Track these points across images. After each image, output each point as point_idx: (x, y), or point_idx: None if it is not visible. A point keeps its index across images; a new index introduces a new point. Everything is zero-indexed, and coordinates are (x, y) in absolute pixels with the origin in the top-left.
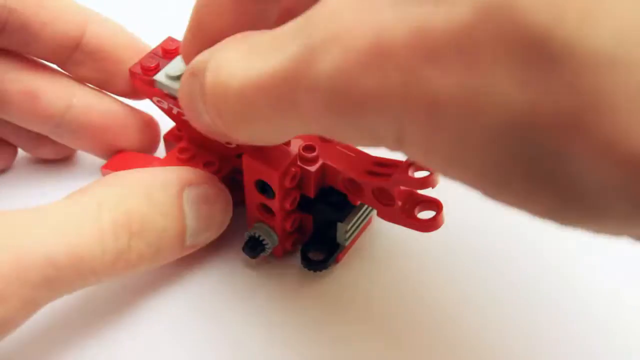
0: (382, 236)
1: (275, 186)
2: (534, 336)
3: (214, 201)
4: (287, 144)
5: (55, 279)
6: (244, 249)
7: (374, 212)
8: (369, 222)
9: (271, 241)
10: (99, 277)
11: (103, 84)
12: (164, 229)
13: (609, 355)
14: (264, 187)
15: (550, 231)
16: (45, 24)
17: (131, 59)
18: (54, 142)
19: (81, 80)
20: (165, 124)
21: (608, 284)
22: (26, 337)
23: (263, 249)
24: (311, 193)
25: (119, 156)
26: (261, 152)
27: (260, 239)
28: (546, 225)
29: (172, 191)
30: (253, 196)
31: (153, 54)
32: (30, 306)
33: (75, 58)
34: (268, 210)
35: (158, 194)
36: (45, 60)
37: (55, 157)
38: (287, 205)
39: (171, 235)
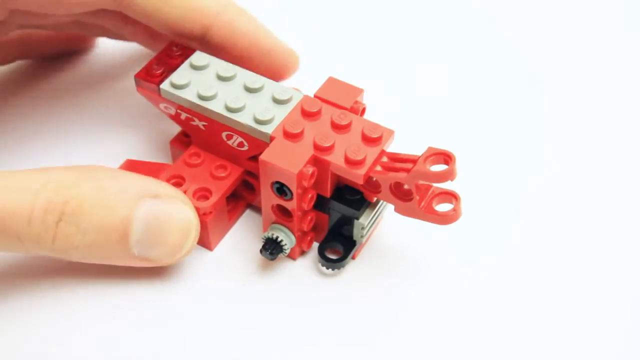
0: (394, 230)
1: (293, 187)
2: (542, 336)
3: (166, 220)
4: (300, 136)
5: None
6: (261, 252)
7: (386, 208)
8: (380, 219)
9: (289, 242)
10: (25, 246)
11: None
12: (104, 223)
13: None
14: (281, 188)
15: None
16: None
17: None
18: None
19: None
20: (171, 129)
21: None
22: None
23: (281, 250)
24: (327, 192)
25: (128, 164)
26: (277, 153)
27: (278, 240)
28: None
29: (128, 194)
30: (269, 198)
31: (157, 59)
32: None
33: None
34: (285, 211)
35: (111, 191)
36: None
37: None
38: (306, 206)
39: (112, 232)
